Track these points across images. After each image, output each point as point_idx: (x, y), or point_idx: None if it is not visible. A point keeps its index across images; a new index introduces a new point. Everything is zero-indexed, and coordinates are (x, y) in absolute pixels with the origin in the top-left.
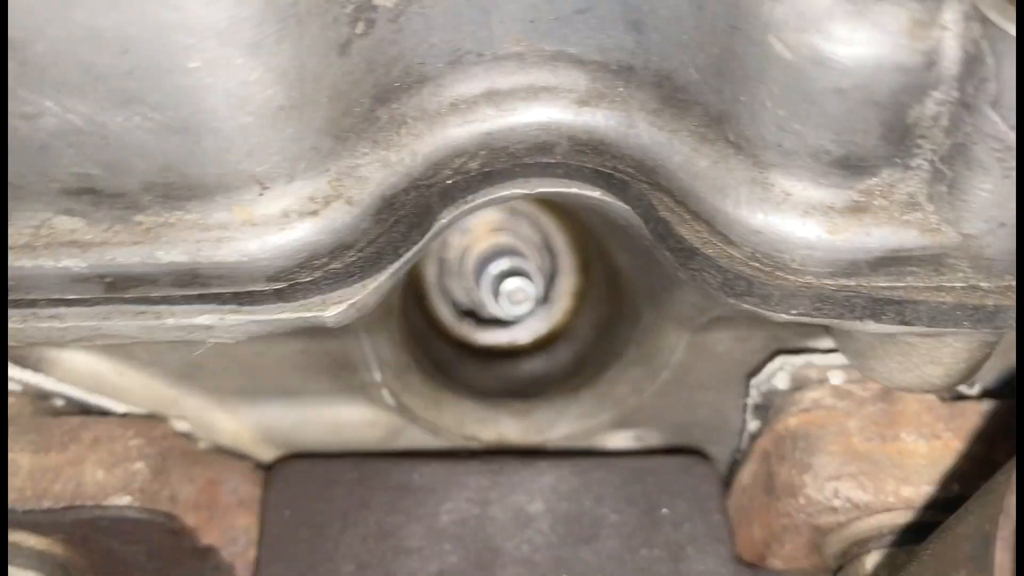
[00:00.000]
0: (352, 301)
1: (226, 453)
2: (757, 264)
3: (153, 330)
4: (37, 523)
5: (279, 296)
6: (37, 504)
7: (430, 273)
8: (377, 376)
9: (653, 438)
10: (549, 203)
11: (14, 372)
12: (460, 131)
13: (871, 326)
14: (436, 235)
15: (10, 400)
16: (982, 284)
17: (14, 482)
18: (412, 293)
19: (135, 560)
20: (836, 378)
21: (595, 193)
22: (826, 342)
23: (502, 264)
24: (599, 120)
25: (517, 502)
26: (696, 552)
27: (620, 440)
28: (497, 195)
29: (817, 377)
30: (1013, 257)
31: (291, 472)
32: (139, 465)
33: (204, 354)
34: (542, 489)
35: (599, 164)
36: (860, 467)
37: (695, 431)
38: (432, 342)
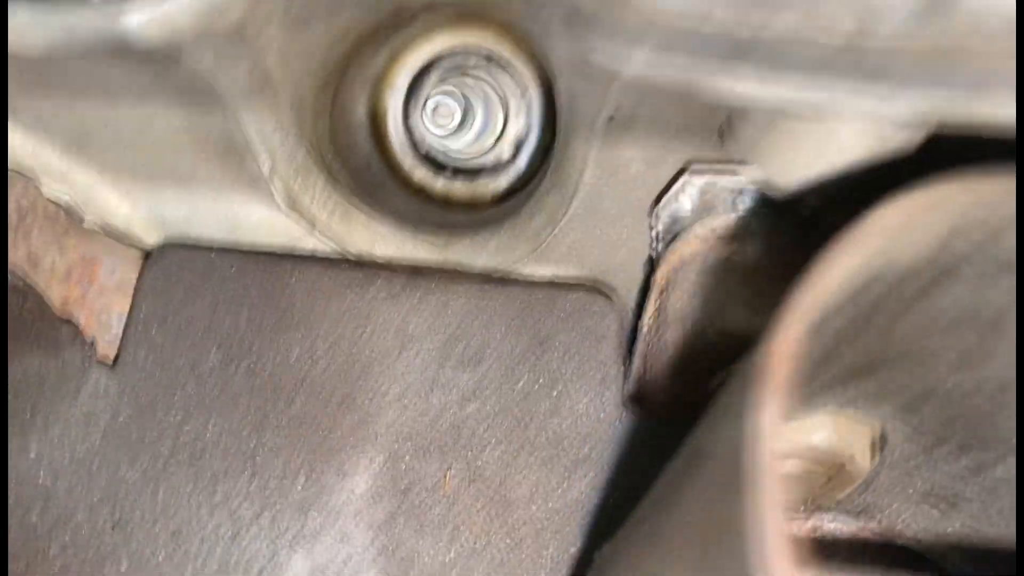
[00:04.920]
0: (155, 13)
1: (113, 236)
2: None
3: None
4: None
5: None
6: None
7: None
8: (265, 166)
9: (571, 278)
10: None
11: None
12: None
13: (733, 83)
14: None
15: None
16: (868, 43)
17: None
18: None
19: None
20: (744, 203)
21: None
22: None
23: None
24: None
25: (399, 318)
26: (578, 389)
27: (536, 276)
28: None
29: (724, 203)
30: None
31: (168, 259)
32: None
33: (91, 123)
34: (429, 309)
35: None
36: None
37: (617, 276)
38: (384, 184)
